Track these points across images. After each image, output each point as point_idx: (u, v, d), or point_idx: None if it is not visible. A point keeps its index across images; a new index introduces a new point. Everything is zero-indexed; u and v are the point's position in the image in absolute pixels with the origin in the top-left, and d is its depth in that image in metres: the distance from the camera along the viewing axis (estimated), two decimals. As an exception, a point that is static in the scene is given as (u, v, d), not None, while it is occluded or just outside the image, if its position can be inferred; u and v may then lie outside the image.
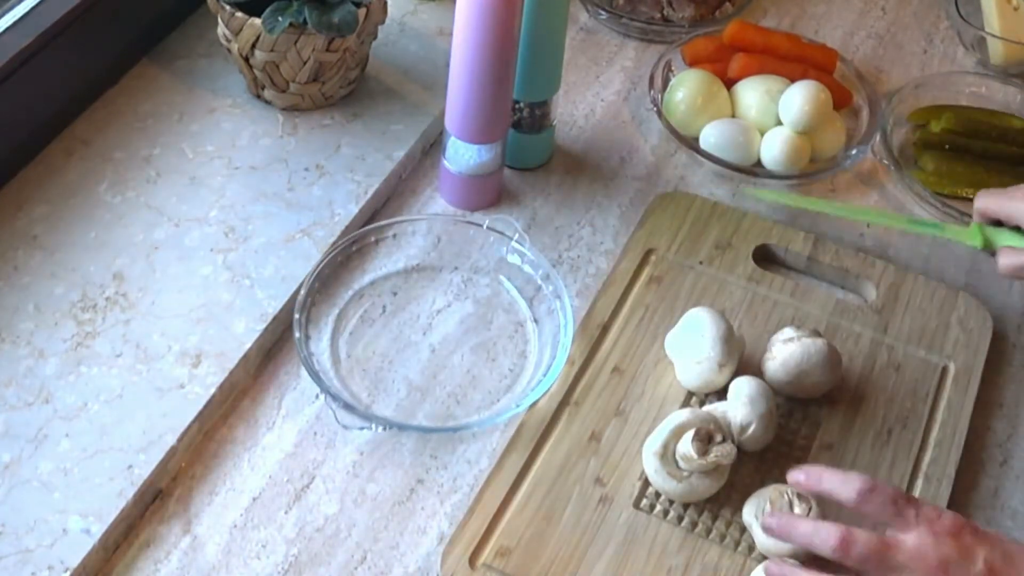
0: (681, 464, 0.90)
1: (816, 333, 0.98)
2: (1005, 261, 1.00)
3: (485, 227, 1.08)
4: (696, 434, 0.89)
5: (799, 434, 0.98)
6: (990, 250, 1.04)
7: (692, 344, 0.98)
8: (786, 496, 0.88)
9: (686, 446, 0.89)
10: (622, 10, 1.35)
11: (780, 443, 0.96)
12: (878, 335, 1.05)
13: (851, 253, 1.12)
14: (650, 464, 0.91)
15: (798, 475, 0.83)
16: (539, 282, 1.06)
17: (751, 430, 0.93)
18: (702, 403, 0.98)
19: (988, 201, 1.04)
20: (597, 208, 1.16)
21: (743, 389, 0.94)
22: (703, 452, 0.89)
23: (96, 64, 1.16)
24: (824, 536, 0.79)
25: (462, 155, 1.10)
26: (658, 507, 0.92)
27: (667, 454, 0.90)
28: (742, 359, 1.00)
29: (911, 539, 0.77)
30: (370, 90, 1.21)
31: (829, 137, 1.21)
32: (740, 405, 0.93)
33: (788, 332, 0.99)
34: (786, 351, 0.97)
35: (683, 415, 0.91)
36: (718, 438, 0.90)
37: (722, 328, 0.97)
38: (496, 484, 0.92)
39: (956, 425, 0.99)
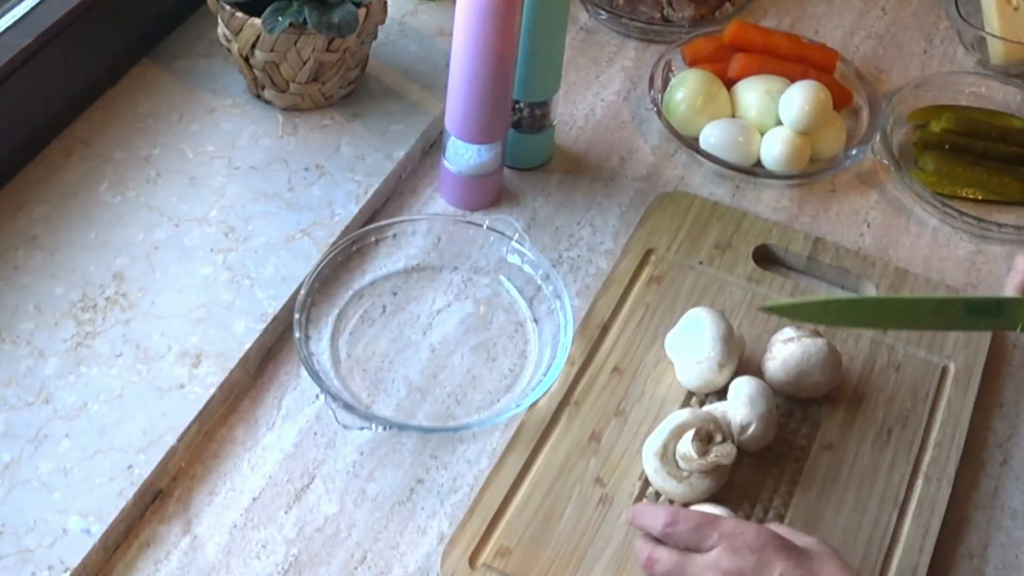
0: (681, 464, 0.90)
1: (816, 333, 0.98)
2: None
3: (485, 227, 1.08)
4: (696, 434, 0.89)
5: (799, 434, 0.98)
6: None
7: (692, 344, 0.98)
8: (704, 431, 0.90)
9: (686, 446, 0.89)
10: (622, 10, 1.35)
11: (780, 443, 0.96)
12: (878, 335, 1.05)
13: (851, 253, 1.12)
14: (650, 464, 0.91)
15: (628, 514, 0.87)
16: (539, 282, 1.06)
17: (751, 430, 0.93)
18: (702, 403, 0.98)
19: None
20: (597, 208, 1.16)
21: (743, 389, 0.94)
22: (703, 452, 0.89)
23: (96, 64, 1.16)
24: (637, 550, 0.84)
25: (462, 155, 1.10)
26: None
27: (667, 454, 0.91)
28: (742, 359, 1.00)
29: (711, 554, 0.80)
30: (370, 90, 1.21)
31: (829, 137, 1.21)
32: (740, 405, 0.93)
33: (788, 332, 0.99)
34: (786, 351, 0.97)
35: (683, 415, 0.91)
36: (718, 438, 0.90)
37: (722, 328, 0.97)
38: (496, 484, 0.92)
39: (956, 425, 0.99)
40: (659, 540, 0.82)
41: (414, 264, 1.09)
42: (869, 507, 0.93)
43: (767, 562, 0.78)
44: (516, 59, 1.06)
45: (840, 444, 0.97)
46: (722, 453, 0.89)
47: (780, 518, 0.92)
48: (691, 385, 0.99)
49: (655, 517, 0.82)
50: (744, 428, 0.93)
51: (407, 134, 1.17)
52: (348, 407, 0.95)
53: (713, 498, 0.92)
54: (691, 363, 0.98)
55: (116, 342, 0.98)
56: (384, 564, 0.89)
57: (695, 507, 0.87)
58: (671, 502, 0.92)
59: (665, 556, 0.81)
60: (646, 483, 0.93)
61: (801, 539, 0.81)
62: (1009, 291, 0.87)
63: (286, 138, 1.16)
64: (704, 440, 0.89)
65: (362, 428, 0.95)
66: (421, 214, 1.13)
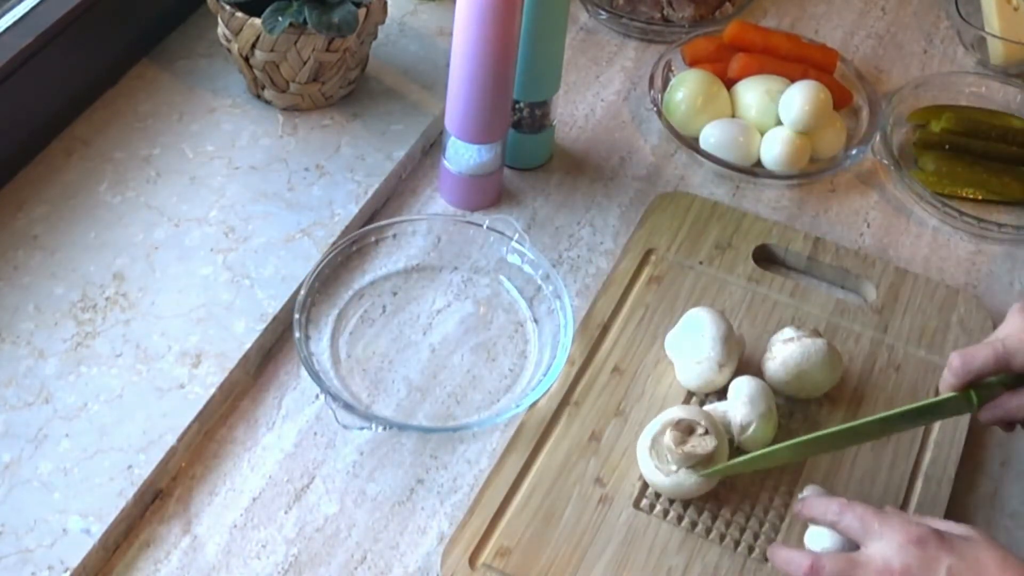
0: (668, 457, 0.90)
1: (816, 333, 0.98)
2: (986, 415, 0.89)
3: (485, 227, 1.08)
4: (676, 425, 0.89)
5: (799, 434, 0.97)
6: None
7: (692, 344, 0.98)
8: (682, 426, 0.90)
9: (667, 437, 0.89)
10: (622, 10, 1.35)
11: (780, 443, 0.96)
12: (878, 335, 1.05)
13: (851, 253, 1.12)
14: (641, 458, 0.92)
15: (798, 507, 0.87)
16: (539, 282, 1.06)
17: (751, 430, 0.93)
18: (702, 403, 0.98)
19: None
20: (597, 208, 1.16)
21: (743, 389, 0.94)
22: (681, 442, 0.89)
23: (96, 64, 1.16)
24: (797, 564, 0.82)
25: (462, 155, 1.10)
26: (658, 507, 0.92)
27: (656, 448, 0.91)
28: (742, 359, 1.00)
29: (875, 552, 0.79)
30: (370, 90, 1.21)
31: (829, 137, 1.21)
32: (740, 405, 0.93)
33: (788, 332, 0.99)
34: (786, 351, 0.97)
35: (675, 411, 0.92)
36: (699, 431, 0.90)
37: (722, 328, 0.97)
38: (496, 484, 0.92)
39: (956, 425, 0.99)
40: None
41: (414, 264, 1.09)
42: (869, 507, 0.93)
43: (935, 558, 0.78)
44: (516, 59, 1.06)
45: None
46: (698, 444, 0.89)
47: (780, 519, 0.92)
48: (691, 385, 0.99)
49: (827, 507, 0.83)
50: (744, 428, 0.93)
51: (407, 134, 1.17)
52: (348, 407, 0.95)
53: (714, 498, 0.92)
54: (691, 363, 0.98)
55: (116, 342, 0.98)
56: (384, 564, 0.89)
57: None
58: (671, 502, 0.92)
59: (831, 562, 0.80)
60: (646, 483, 0.93)
61: (956, 528, 0.81)
62: (944, 390, 0.87)
63: (286, 138, 1.16)
64: (684, 431, 0.89)
65: (362, 428, 0.95)
66: (421, 214, 1.13)
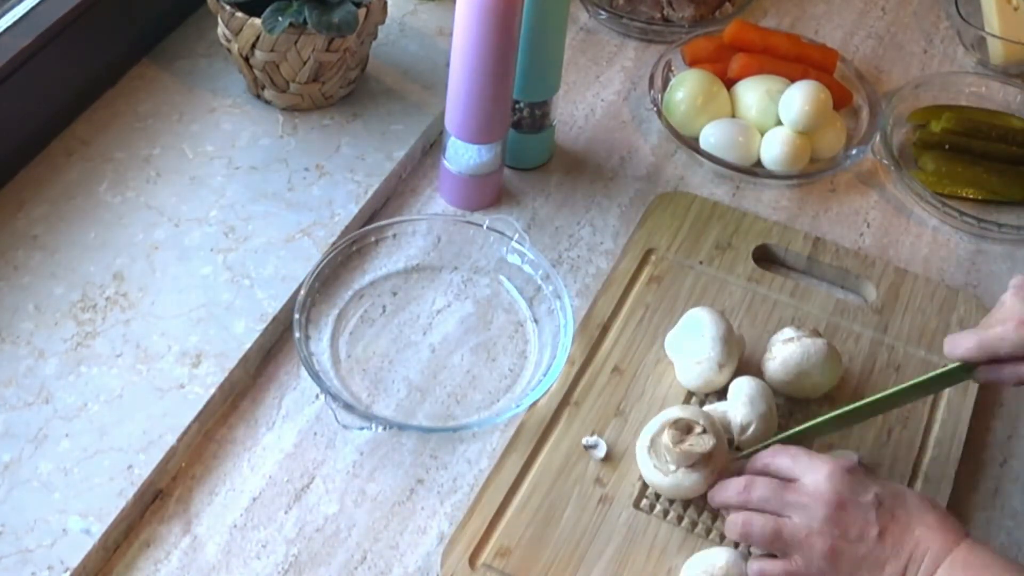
0: (666, 457, 0.90)
1: (816, 333, 0.98)
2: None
3: (485, 227, 1.08)
4: (675, 424, 0.89)
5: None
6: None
7: (692, 344, 0.98)
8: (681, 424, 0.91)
9: (665, 436, 0.90)
10: (622, 10, 1.35)
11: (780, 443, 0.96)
12: (878, 335, 1.05)
13: (851, 253, 1.12)
14: (640, 458, 0.92)
15: (710, 496, 0.91)
16: (539, 282, 1.06)
17: (751, 430, 0.93)
18: (702, 403, 0.98)
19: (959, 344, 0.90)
20: (597, 208, 1.16)
21: (743, 389, 0.94)
22: (679, 441, 0.89)
23: (96, 64, 1.16)
24: (733, 487, 0.87)
25: (462, 155, 1.10)
26: (658, 507, 0.92)
27: (654, 448, 0.91)
28: (742, 359, 1.00)
29: (808, 479, 0.84)
30: (370, 90, 1.21)
31: (829, 137, 1.21)
32: (740, 405, 0.93)
33: (788, 332, 0.99)
34: (786, 351, 0.97)
35: (674, 411, 0.92)
36: (697, 430, 0.90)
37: (722, 328, 0.97)
38: (496, 484, 0.92)
39: (956, 425, 0.99)
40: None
41: (414, 264, 1.09)
42: (869, 507, 0.93)
43: (862, 483, 0.83)
44: (516, 59, 1.06)
45: (840, 444, 0.97)
46: (696, 443, 0.89)
47: (780, 518, 0.92)
48: (691, 385, 0.99)
49: (731, 487, 0.87)
50: (744, 428, 0.93)
51: (407, 134, 1.17)
52: (348, 407, 0.95)
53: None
54: (691, 363, 0.98)
55: (116, 342, 0.98)
56: (384, 564, 0.89)
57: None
58: (671, 502, 0.92)
59: (761, 482, 0.85)
60: (646, 483, 0.93)
61: None
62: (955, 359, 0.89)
63: (286, 138, 1.16)
64: (682, 431, 0.89)
65: (362, 428, 0.95)
66: (421, 214, 1.13)
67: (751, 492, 0.85)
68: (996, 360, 0.86)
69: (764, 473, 0.87)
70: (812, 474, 0.83)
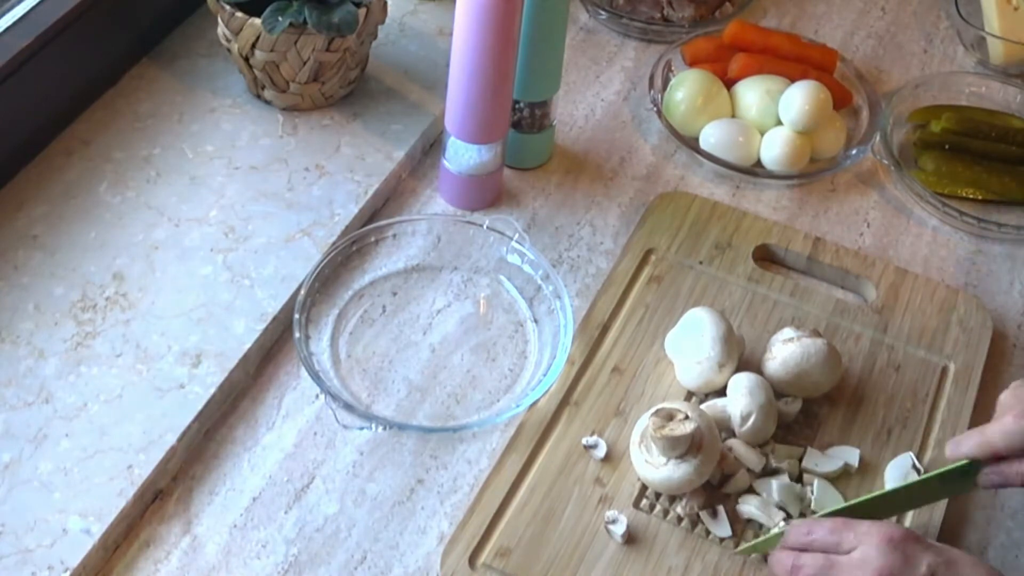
0: (652, 448, 0.90)
1: (816, 333, 0.98)
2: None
3: (485, 227, 1.08)
4: (657, 412, 0.89)
5: (799, 434, 0.98)
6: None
7: (692, 344, 0.98)
8: (663, 415, 0.90)
9: (648, 424, 0.90)
10: (622, 10, 1.35)
11: (780, 443, 0.96)
12: (878, 335, 1.05)
13: (851, 253, 1.12)
14: (633, 454, 0.92)
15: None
16: (539, 282, 1.06)
17: (752, 420, 0.93)
18: (702, 403, 0.98)
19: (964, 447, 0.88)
20: (597, 208, 1.16)
21: (742, 382, 0.94)
22: (660, 427, 0.89)
23: (96, 64, 1.16)
24: (781, 563, 0.84)
25: (462, 155, 1.10)
26: (658, 507, 0.92)
27: (644, 442, 0.91)
28: (742, 359, 1.00)
29: (855, 553, 0.81)
30: (370, 90, 1.21)
31: (829, 137, 1.21)
32: (739, 397, 0.94)
33: (788, 332, 0.99)
34: (786, 351, 0.97)
35: (666, 404, 0.92)
36: (679, 416, 0.90)
37: (722, 328, 0.97)
38: (496, 484, 0.92)
39: (956, 425, 0.99)
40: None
41: (414, 264, 1.09)
42: (869, 507, 0.93)
43: (913, 555, 0.79)
44: (516, 59, 1.06)
45: (840, 444, 0.97)
46: (676, 427, 0.89)
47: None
48: (691, 385, 0.99)
49: (778, 566, 0.84)
50: (745, 418, 0.93)
51: (407, 134, 1.17)
52: (348, 407, 0.95)
53: (714, 498, 0.92)
54: (691, 363, 0.98)
55: (116, 342, 0.98)
56: (384, 564, 0.89)
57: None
58: (671, 502, 0.92)
59: (810, 560, 0.82)
60: (645, 484, 0.93)
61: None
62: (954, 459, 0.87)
63: (286, 138, 1.16)
64: (664, 418, 0.89)
65: (362, 428, 0.95)
66: (421, 214, 1.13)
67: (799, 571, 0.82)
68: (999, 457, 0.84)
69: (808, 547, 0.84)
70: (863, 546, 0.80)
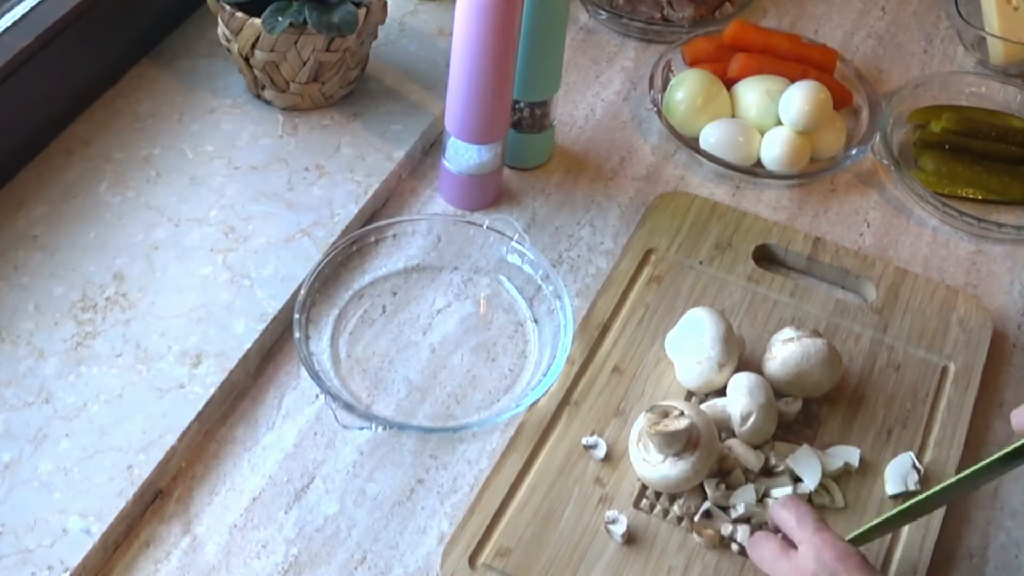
0: (648, 445, 0.90)
1: (816, 333, 0.98)
2: None
3: (485, 227, 1.08)
4: (651, 410, 0.90)
5: (799, 434, 0.98)
6: None
7: (692, 344, 0.98)
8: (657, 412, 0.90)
9: (643, 421, 0.90)
10: (622, 10, 1.35)
11: (780, 443, 0.96)
12: (878, 335, 1.05)
13: (851, 253, 1.12)
14: (632, 453, 0.92)
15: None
16: (539, 282, 1.06)
17: (752, 420, 0.93)
18: (702, 403, 0.98)
19: None
20: (597, 208, 1.16)
21: (742, 382, 0.94)
22: (654, 424, 0.89)
23: (96, 64, 1.16)
24: (754, 540, 0.86)
25: (462, 155, 1.10)
26: (658, 507, 0.92)
27: (642, 441, 0.91)
28: (742, 359, 1.00)
29: (800, 550, 0.82)
30: (370, 90, 1.21)
31: (829, 137, 1.21)
32: (739, 396, 0.94)
33: (788, 332, 0.99)
34: (786, 351, 0.97)
35: (661, 402, 0.92)
36: (674, 413, 0.90)
37: (722, 328, 0.97)
38: (496, 484, 0.92)
39: (956, 425, 0.99)
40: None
41: (414, 264, 1.09)
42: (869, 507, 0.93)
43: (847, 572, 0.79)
44: (516, 59, 1.06)
45: (839, 443, 0.97)
46: (670, 423, 0.89)
47: (780, 518, 0.92)
48: (691, 385, 0.99)
49: (777, 504, 0.86)
50: (744, 418, 0.93)
51: (407, 134, 1.17)
52: (348, 407, 0.95)
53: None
54: (691, 363, 0.98)
55: (116, 342, 0.98)
56: (384, 564, 0.89)
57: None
58: (671, 502, 0.92)
59: (766, 544, 0.84)
60: (645, 484, 0.93)
61: None
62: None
63: (286, 138, 1.16)
64: (659, 415, 0.89)
65: (362, 428, 0.95)
66: (421, 214, 1.13)
67: (753, 549, 0.85)
68: None
69: (779, 525, 0.85)
70: (805, 547, 0.81)
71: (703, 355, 0.97)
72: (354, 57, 1.17)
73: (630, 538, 0.90)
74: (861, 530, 0.87)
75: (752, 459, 0.93)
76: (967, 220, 1.16)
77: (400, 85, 1.22)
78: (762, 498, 0.92)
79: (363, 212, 1.11)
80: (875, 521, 0.88)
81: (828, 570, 0.79)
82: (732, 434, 0.95)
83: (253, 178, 1.12)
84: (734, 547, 0.90)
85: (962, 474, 0.85)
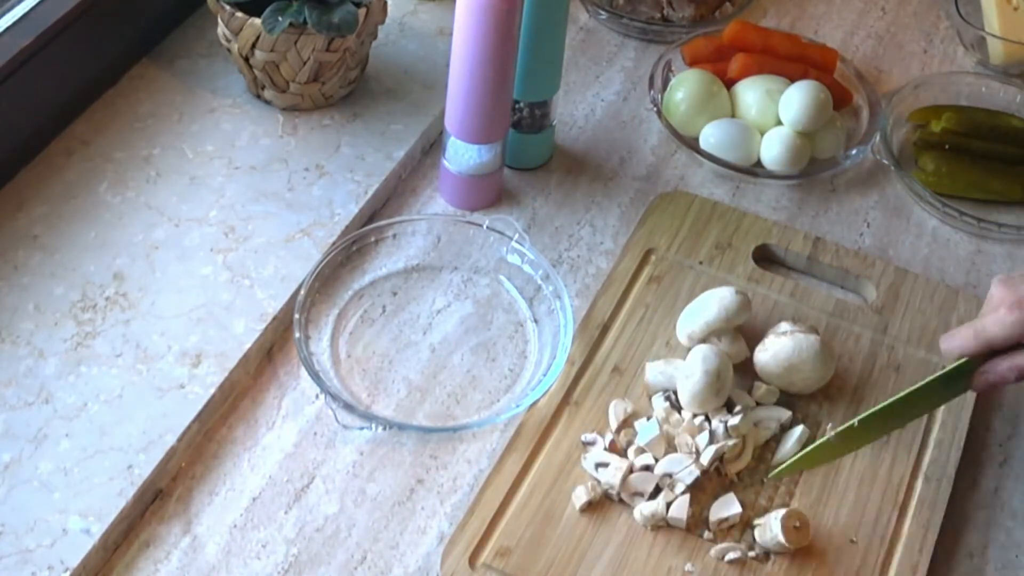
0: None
1: (812, 329, 0.99)
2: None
3: (485, 227, 1.08)
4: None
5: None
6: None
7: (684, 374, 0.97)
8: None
9: None
10: (622, 10, 1.35)
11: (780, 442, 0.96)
12: (878, 335, 1.05)
13: (851, 253, 1.12)
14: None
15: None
16: (539, 282, 1.06)
17: (692, 380, 0.94)
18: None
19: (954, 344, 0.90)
20: (597, 208, 1.16)
21: (700, 348, 0.95)
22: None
23: (96, 64, 1.16)
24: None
25: (462, 155, 1.10)
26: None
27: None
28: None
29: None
30: (370, 90, 1.21)
31: (829, 137, 1.21)
32: (693, 363, 0.95)
33: (784, 326, 0.99)
34: (778, 344, 0.97)
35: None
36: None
37: (715, 365, 0.96)
38: (496, 484, 0.92)
39: (956, 425, 0.99)
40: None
41: (414, 264, 1.09)
42: (869, 507, 0.93)
43: None
44: (516, 59, 1.06)
45: (840, 444, 0.97)
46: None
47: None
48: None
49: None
50: (688, 377, 0.94)
51: (407, 134, 1.17)
52: (348, 407, 0.95)
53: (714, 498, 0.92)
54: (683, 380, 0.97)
55: (116, 342, 0.98)
56: (384, 564, 0.89)
57: None
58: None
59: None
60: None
61: None
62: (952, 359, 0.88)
63: (286, 138, 1.16)
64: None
65: (362, 428, 0.95)
66: (421, 214, 1.13)
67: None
68: (994, 353, 0.86)
69: None
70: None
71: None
72: (354, 57, 1.17)
73: (630, 538, 0.90)
74: (795, 458, 0.90)
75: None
76: (967, 220, 1.16)
77: (400, 85, 1.22)
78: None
79: (363, 212, 1.11)
80: (812, 445, 0.90)
81: None
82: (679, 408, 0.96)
83: (253, 178, 1.12)
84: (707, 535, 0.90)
85: (897, 395, 0.88)
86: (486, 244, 1.09)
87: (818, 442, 0.91)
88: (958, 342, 0.87)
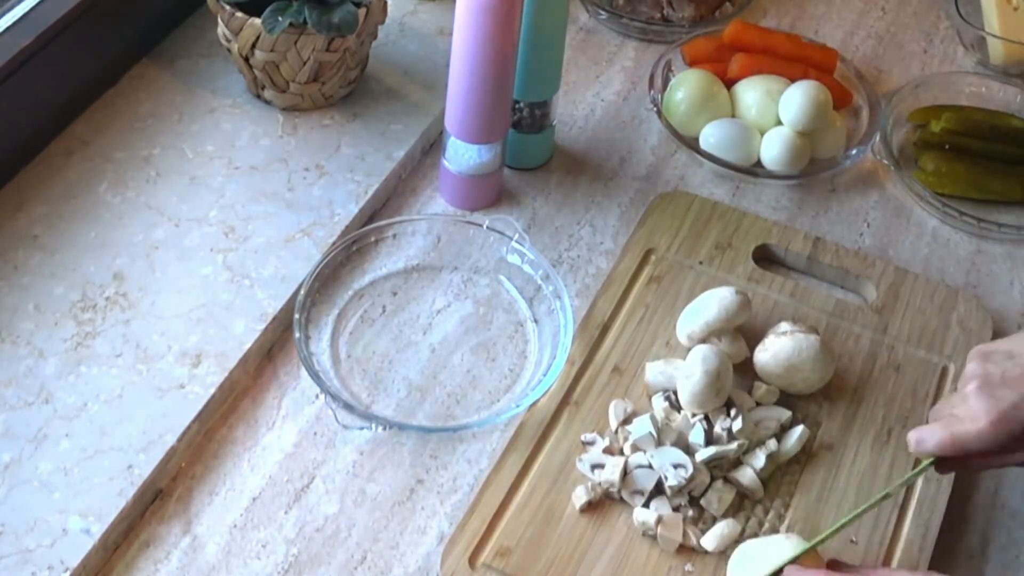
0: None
1: (813, 329, 0.99)
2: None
3: (485, 227, 1.08)
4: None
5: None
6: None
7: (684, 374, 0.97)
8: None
9: None
10: (622, 10, 1.35)
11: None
12: (878, 335, 1.05)
13: (851, 253, 1.12)
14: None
15: None
16: (539, 282, 1.06)
17: (692, 380, 0.93)
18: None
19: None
20: (597, 208, 1.16)
21: (700, 349, 0.95)
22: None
23: (96, 64, 1.16)
24: None
25: (462, 155, 1.10)
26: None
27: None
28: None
29: None
30: (370, 90, 1.21)
31: (829, 137, 1.21)
32: (693, 363, 0.94)
33: (785, 326, 0.99)
34: (778, 344, 0.97)
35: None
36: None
37: (715, 365, 0.96)
38: (496, 484, 0.92)
39: (956, 425, 0.99)
40: None
41: (414, 264, 1.09)
42: (869, 507, 0.93)
43: None
44: (516, 59, 1.06)
45: (840, 444, 0.97)
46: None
47: (780, 518, 0.92)
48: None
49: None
50: (688, 376, 0.94)
51: (407, 134, 1.17)
52: (348, 407, 0.95)
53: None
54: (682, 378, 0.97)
55: (116, 342, 0.98)
56: (384, 564, 0.89)
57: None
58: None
59: None
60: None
61: None
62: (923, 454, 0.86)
63: (286, 138, 1.16)
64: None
65: (362, 428, 0.95)
66: (421, 214, 1.13)
67: None
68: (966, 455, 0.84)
69: None
70: None
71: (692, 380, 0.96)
72: (354, 57, 1.17)
73: (630, 538, 0.90)
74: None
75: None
76: (967, 220, 1.16)
77: (400, 85, 1.22)
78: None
79: (363, 212, 1.11)
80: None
81: None
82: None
83: (253, 178, 1.12)
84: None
85: (856, 511, 0.86)
86: (486, 244, 1.09)
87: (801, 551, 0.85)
88: (934, 443, 0.83)
